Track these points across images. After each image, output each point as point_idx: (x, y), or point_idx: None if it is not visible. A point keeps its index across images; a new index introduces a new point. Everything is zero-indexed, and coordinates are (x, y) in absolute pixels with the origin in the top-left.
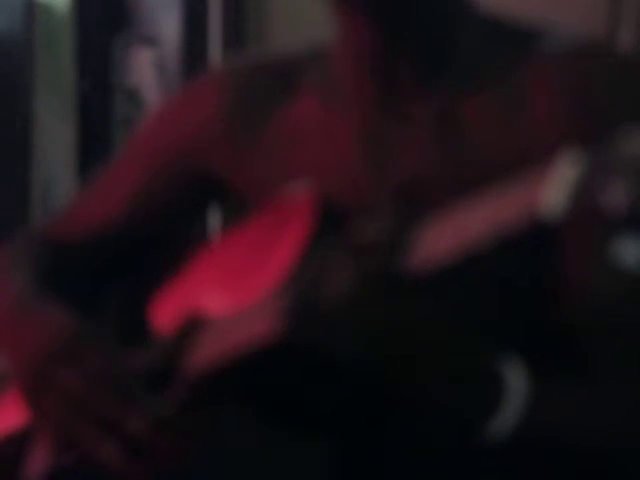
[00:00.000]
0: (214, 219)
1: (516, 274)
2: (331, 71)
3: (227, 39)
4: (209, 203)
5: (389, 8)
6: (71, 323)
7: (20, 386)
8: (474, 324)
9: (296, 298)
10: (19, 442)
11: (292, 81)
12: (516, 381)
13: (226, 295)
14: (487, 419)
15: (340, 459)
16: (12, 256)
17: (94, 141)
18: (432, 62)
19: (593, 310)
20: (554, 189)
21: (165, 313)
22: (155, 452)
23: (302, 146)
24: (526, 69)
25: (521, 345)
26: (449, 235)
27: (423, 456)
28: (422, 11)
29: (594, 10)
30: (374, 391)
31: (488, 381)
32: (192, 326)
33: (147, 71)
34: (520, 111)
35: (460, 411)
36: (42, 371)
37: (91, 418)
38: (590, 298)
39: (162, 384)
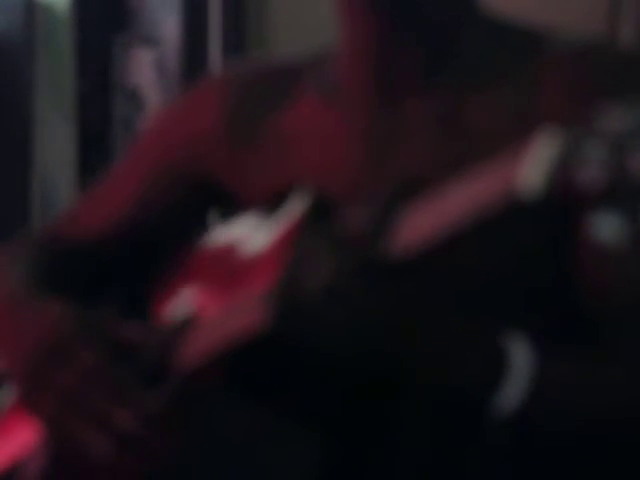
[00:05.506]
0: (214, 220)
1: (526, 252)
2: (332, 72)
3: (227, 40)
4: (210, 206)
5: (391, 6)
6: (65, 317)
7: (16, 383)
8: (475, 303)
9: (279, 289)
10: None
11: (292, 85)
12: (520, 358)
13: (216, 297)
14: (490, 396)
15: (333, 454)
16: (10, 255)
17: (94, 141)
18: (434, 60)
19: (602, 291)
20: (532, 168)
21: (163, 313)
22: (146, 447)
23: (301, 147)
24: (532, 70)
25: (532, 323)
26: (431, 218)
27: (424, 444)
28: (424, 9)
29: (594, 8)
30: (367, 382)
31: (489, 358)
32: (184, 323)
33: (147, 71)
34: (525, 111)
35: (461, 389)
36: (36, 369)
37: (83, 414)
38: (597, 278)
39: (155, 379)
